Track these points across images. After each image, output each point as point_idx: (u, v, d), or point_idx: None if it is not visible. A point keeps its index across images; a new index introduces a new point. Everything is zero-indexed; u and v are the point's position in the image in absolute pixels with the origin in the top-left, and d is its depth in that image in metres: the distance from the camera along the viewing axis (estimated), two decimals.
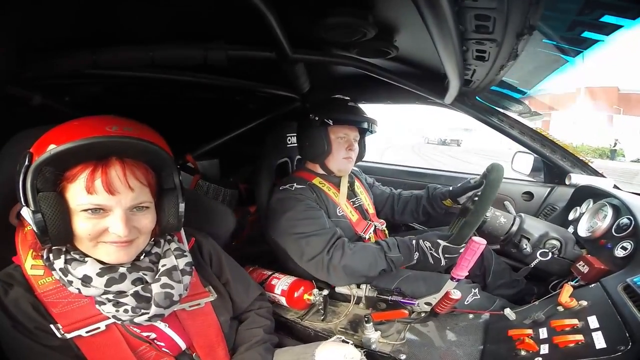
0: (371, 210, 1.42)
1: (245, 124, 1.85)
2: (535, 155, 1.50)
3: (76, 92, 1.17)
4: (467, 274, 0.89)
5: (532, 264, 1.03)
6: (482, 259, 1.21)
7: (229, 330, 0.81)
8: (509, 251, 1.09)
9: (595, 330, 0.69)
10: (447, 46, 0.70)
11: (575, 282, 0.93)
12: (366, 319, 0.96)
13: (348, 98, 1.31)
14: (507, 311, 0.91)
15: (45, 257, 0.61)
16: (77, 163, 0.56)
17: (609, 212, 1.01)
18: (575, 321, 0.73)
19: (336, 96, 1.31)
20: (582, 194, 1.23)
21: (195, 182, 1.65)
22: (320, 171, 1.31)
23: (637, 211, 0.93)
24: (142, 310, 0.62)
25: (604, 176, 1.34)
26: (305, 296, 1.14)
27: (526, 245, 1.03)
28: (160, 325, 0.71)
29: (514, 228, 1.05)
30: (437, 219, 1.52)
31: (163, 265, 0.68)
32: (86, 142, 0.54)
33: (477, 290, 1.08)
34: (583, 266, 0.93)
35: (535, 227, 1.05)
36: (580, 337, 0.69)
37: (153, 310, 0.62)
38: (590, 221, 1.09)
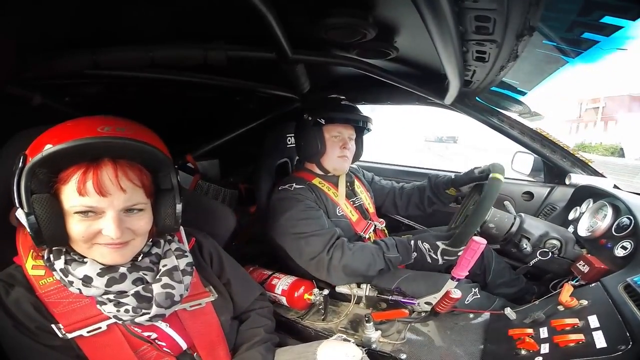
0: (371, 209, 1.42)
1: (245, 124, 1.85)
2: (535, 156, 1.50)
3: (76, 92, 1.17)
4: (468, 273, 0.89)
5: (531, 263, 1.04)
6: (483, 259, 1.21)
7: (229, 330, 0.81)
8: (509, 251, 1.09)
9: (596, 329, 0.69)
10: (447, 47, 0.70)
11: (576, 282, 0.93)
12: (367, 318, 0.96)
13: (342, 97, 1.31)
14: (508, 310, 0.91)
15: (45, 257, 0.61)
16: (71, 164, 0.56)
17: (609, 211, 1.01)
18: (575, 320, 0.74)
19: (330, 95, 1.32)
20: (582, 194, 1.23)
21: (195, 182, 1.66)
22: (318, 171, 1.31)
23: (637, 211, 0.94)
24: (143, 311, 0.62)
25: (604, 176, 1.34)
26: (306, 296, 1.14)
27: (526, 245, 1.03)
28: (161, 325, 0.71)
29: (514, 228, 1.05)
30: (439, 218, 1.52)
31: (164, 266, 0.68)
32: (76, 143, 0.53)
33: (477, 289, 1.08)
34: (583, 266, 0.93)
35: (536, 226, 1.05)
36: (580, 336, 0.69)
37: (154, 310, 0.62)
38: (590, 221, 1.09)
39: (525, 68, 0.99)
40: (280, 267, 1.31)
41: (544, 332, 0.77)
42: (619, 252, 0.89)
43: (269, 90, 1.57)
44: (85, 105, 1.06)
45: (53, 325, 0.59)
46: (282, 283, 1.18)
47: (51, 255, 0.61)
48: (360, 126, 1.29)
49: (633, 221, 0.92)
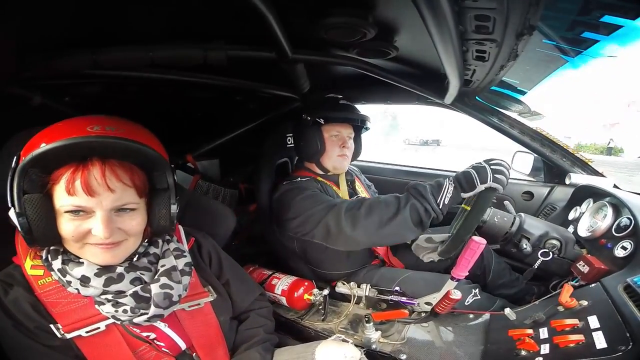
0: None
1: (245, 124, 1.85)
2: (535, 155, 1.50)
3: (76, 92, 1.17)
4: (467, 273, 0.89)
5: (535, 265, 1.03)
6: (482, 259, 1.21)
7: (228, 330, 0.81)
8: (509, 251, 1.09)
9: (596, 330, 0.69)
10: (447, 46, 0.70)
11: (576, 282, 0.93)
12: (366, 318, 0.96)
13: (340, 96, 1.31)
14: (508, 311, 0.91)
15: (43, 257, 0.61)
16: (62, 164, 0.56)
17: (609, 211, 1.01)
18: (575, 321, 0.73)
19: (329, 95, 1.32)
20: (582, 194, 1.23)
21: (195, 182, 1.66)
22: (318, 170, 1.31)
23: (637, 211, 0.93)
24: (142, 311, 0.62)
25: (604, 176, 1.34)
26: (306, 296, 1.14)
27: (526, 245, 1.02)
28: (160, 325, 0.71)
29: (514, 228, 1.05)
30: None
31: (162, 266, 0.67)
32: (63, 143, 0.53)
33: (477, 290, 1.08)
34: (583, 266, 0.93)
35: (535, 226, 1.05)
36: (580, 337, 0.69)
37: (152, 310, 0.62)
38: (590, 221, 1.09)
39: (525, 67, 0.99)
40: (280, 266, 1.30)
41: (544, 333, 0.77)
42: (619, 252, 0.88)
43: (269, 90, 1.57)
44: (85, 105, 1.06)
45: (52, 325, 0.59)
46: (282, 283, 1.18)
47: (49, 255, 0.61)
48: (359, 125, 1.30)
49: (633, 221, 0.91)
